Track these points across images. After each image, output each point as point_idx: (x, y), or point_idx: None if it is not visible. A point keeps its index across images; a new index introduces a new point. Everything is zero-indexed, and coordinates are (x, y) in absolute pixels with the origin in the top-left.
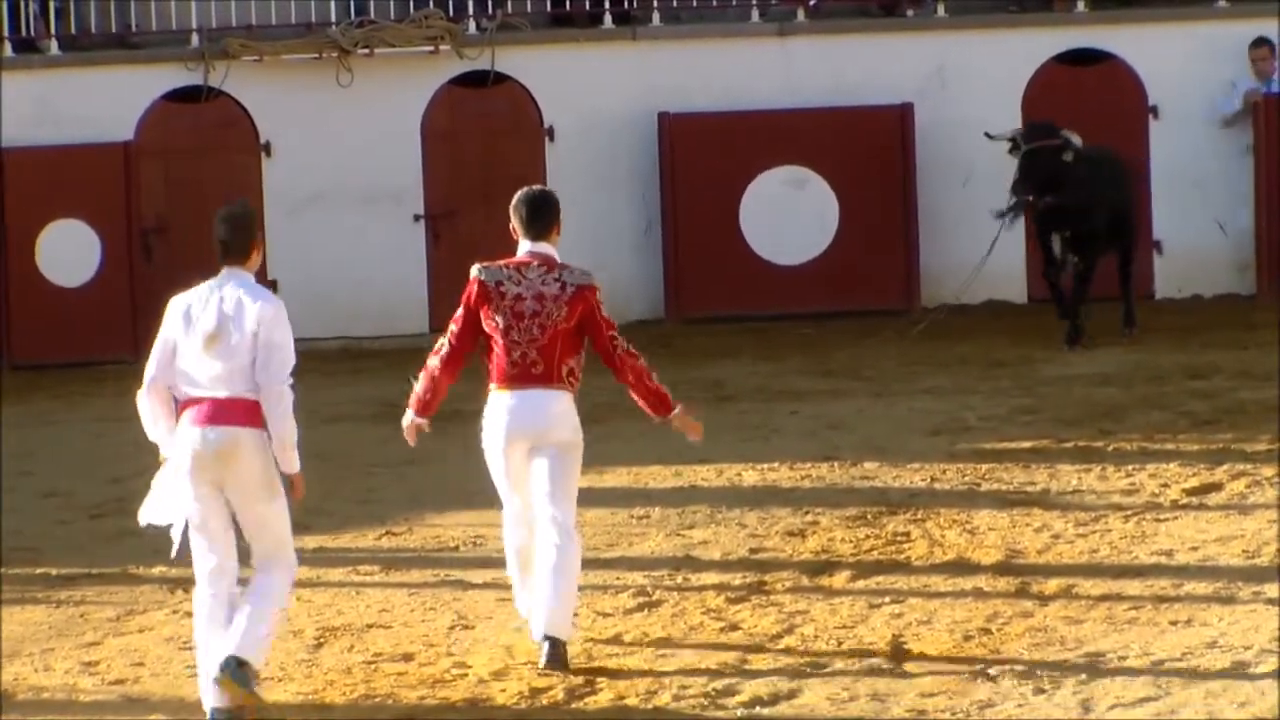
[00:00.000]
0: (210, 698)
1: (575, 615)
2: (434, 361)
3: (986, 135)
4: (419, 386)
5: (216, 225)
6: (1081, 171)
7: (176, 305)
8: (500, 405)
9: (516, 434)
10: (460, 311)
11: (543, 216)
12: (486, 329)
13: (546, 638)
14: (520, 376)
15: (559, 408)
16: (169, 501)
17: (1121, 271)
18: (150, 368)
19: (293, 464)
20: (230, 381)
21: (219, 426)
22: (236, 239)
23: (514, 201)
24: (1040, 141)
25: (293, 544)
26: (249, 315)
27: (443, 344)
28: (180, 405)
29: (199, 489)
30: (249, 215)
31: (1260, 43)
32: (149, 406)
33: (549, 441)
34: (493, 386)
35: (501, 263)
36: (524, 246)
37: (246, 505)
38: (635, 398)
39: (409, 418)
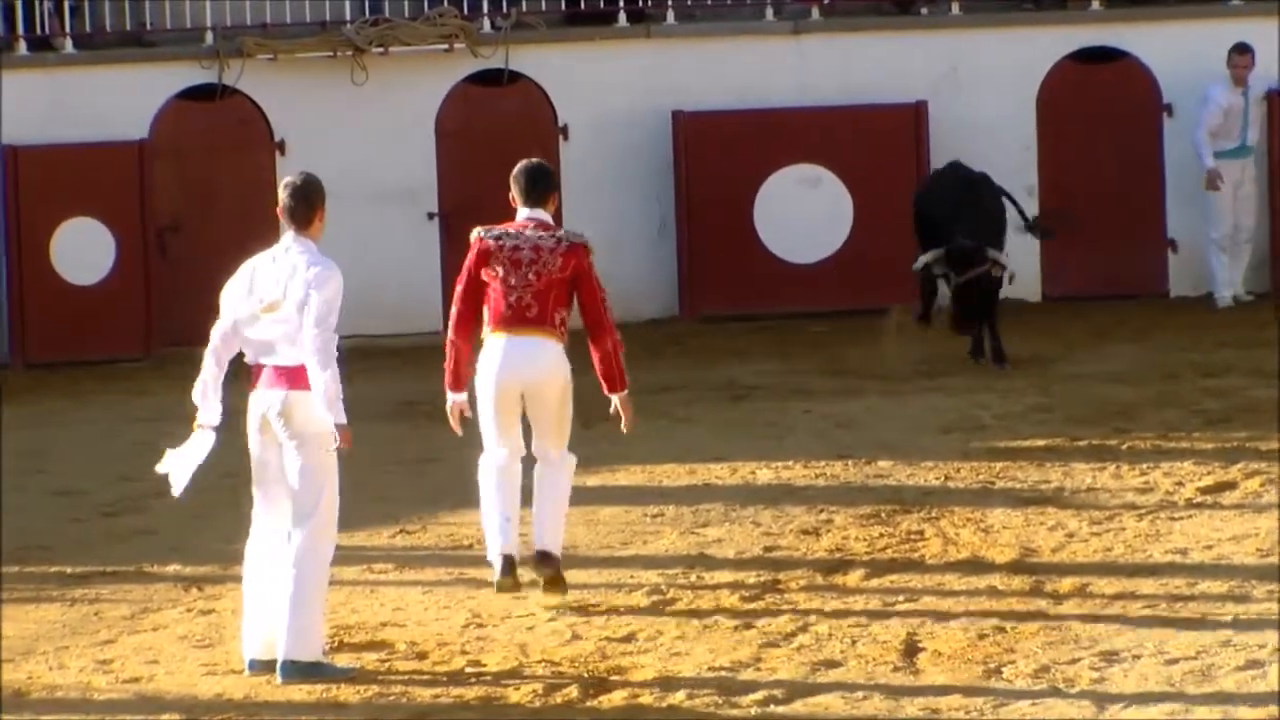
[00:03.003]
0: (250, 648)
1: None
2: (450, 334)
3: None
4: (446, 362)
5: (280, 193)
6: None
7: (243, 271)
8: (495, 349)
9: (509, 380)
10: (463, 274)
11: (540, 185)
12: (485, 279)
13: (538, 552)
14: (515, 319)
15: (550, 357)
16: (184, 458)
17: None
18: (214, 336)
19: (337, 415)
20: (287, 347)
21: (275, 390)
22: (299, 207)
23: (514, 172)
24: (973, 272)
25: (335, 511)
26: (299, 280)
27: (452, 312)
28: (253, 371)
29: (257, 450)
30: (310, 185)
31: (1243, 49)
32: (203, 372)
33: (540, 392)
34: (487, 330)
35: (501, 226)
36: (522, 213)
37: (293, 460)
38: (597, 363)
39: (450, 399)
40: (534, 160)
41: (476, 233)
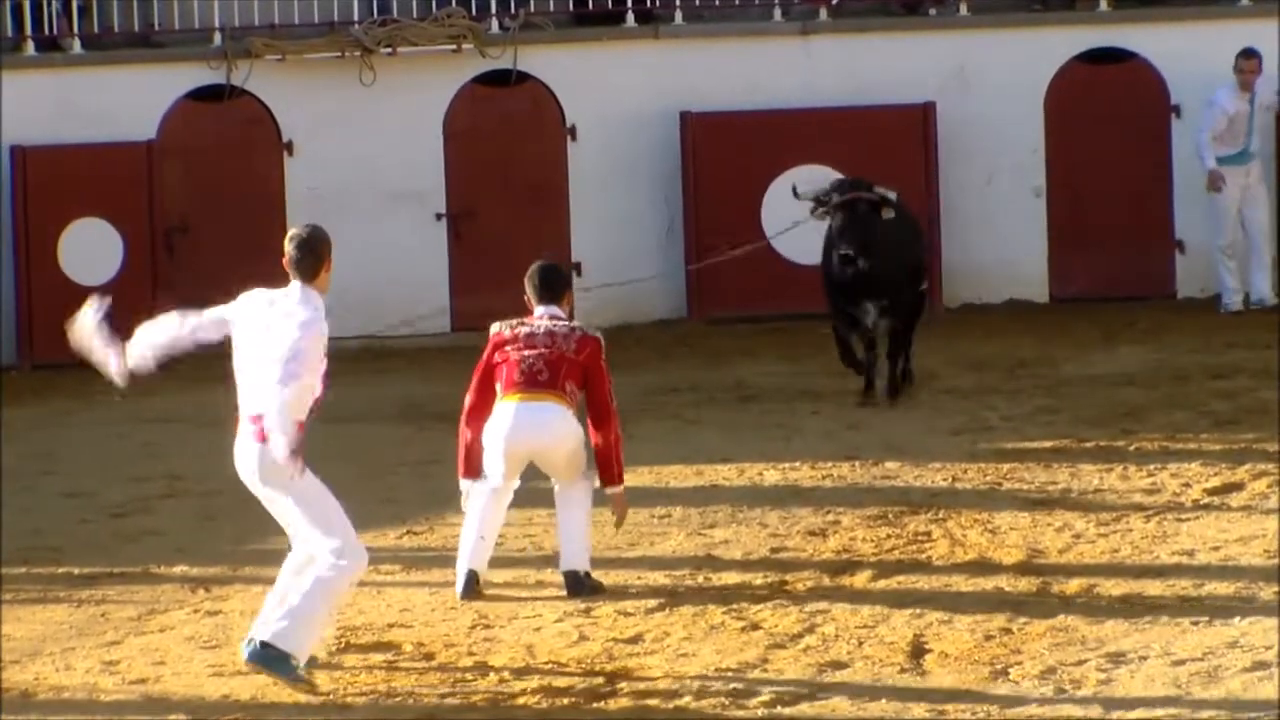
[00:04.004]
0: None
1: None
2: (462, 423)
3: (794, 193)
4: (459, 451)
5: (286, 245)
6: (895, 231)
7: (248, 298)
8: (505, 413)
9: (518, 446)
10: (478, 367)
11: (554, 285)
12: (498, 361)
13: (566, 574)
14: (526, 383)
15: (560, 423)
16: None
17: (903, 336)
18: (204, 314)
19: (279, 450)
20: (262, 393)
21: (251, 444)
22: (305, 259)
23: (528, 274)
24: (857, 194)
25: (338, 537)
26: (291, 325)
27: (465, 403)
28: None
29: (255, 493)
30: (316, 237)
31: (1249, 54)
32: (150, 324)
33: (549, 456)
34: (499, 398)
35: (518, 319)
36: (538, 311)
37: (288, 501)
38: (596, 452)
39: (463, 486)
40: (547, 261)
41: (494, 327)
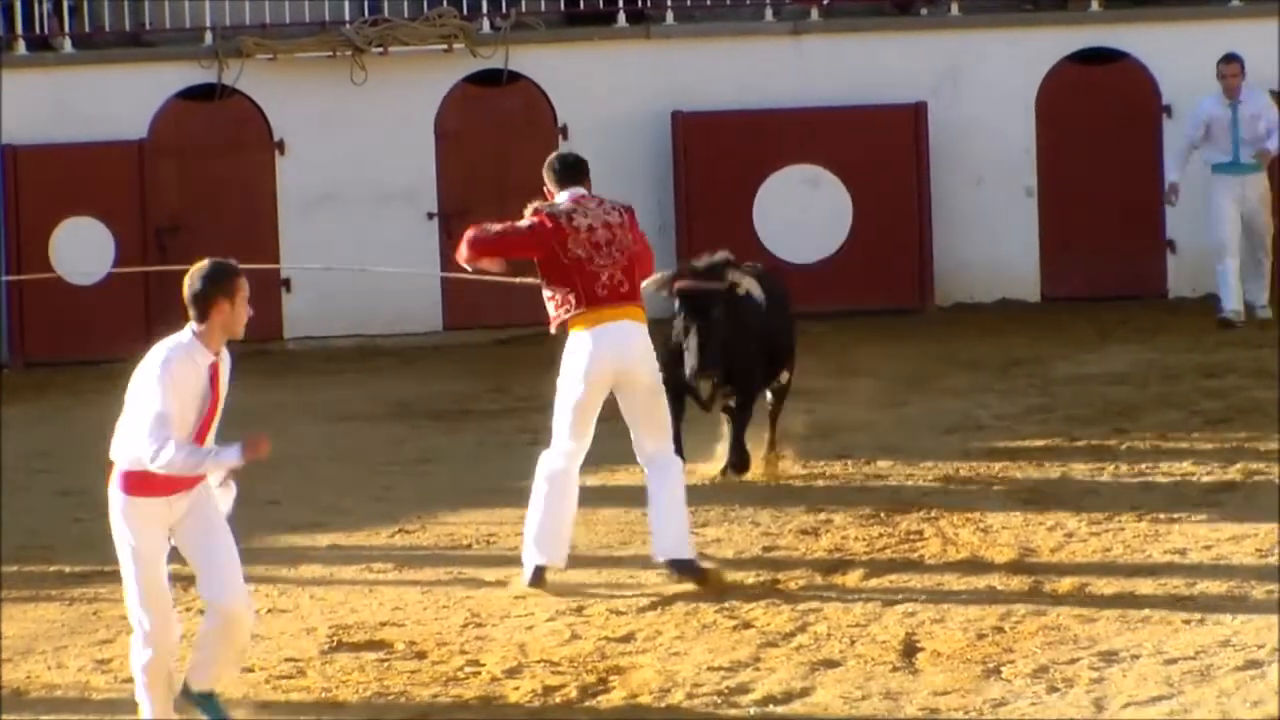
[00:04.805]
0: None
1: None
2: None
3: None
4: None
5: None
6: (753, 316)
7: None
8: (590, 337)
9: (604, 368)
10: (512, 235)
11: (578, 165)
12: (565, 261)
13: (669, 561)
14: (610, 297)
15: (643, 343)
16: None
17: (774, 407)
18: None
19: (218, 467)
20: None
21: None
22: (193, 300)
23: (546, 163)
24: (693, 283)
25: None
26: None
27: (487, 239)
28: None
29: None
30: (206, 274)
31: (1229, 59)
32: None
33: (632, 380)
34: (578, 315)
35: (557, 202)
36: (564, 194)
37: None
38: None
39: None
40: (563, 151)
41: (538, 207)
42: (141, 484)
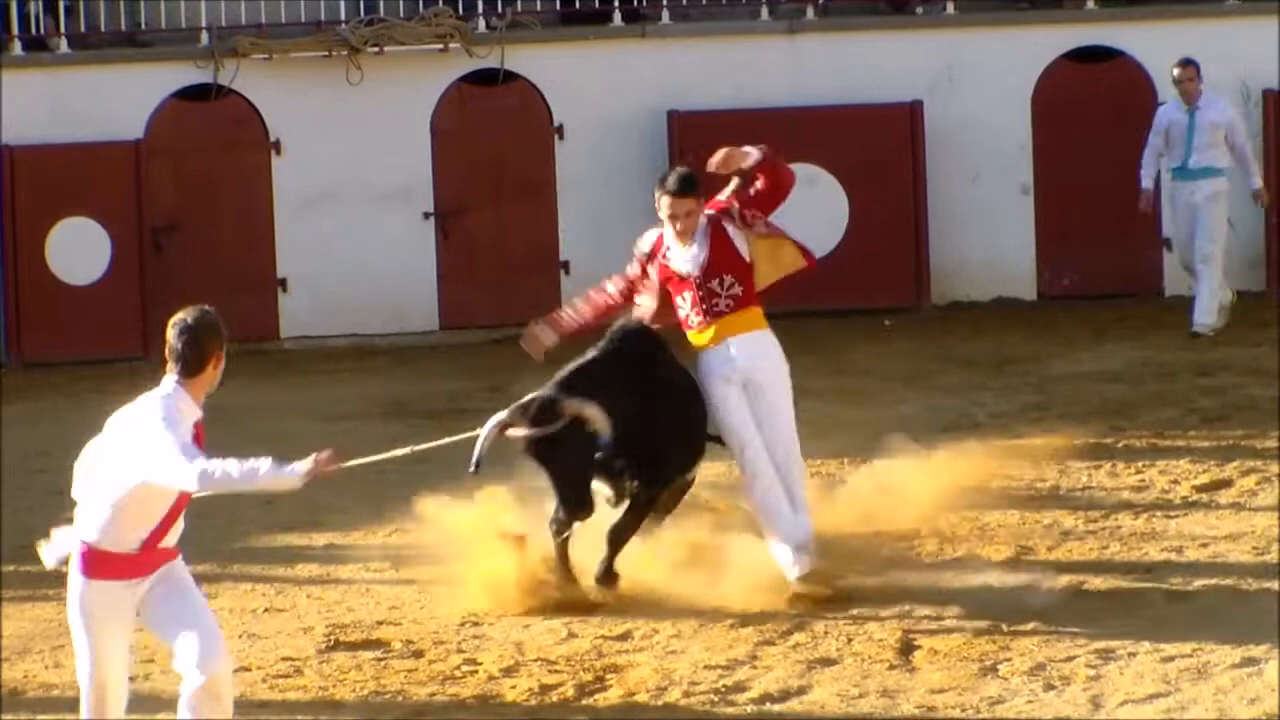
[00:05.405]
0: None
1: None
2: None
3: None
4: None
5: (169, 333)
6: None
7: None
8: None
9: (735, 374)
10: (632, 272)
11: (687, 178)
12: (670, 289)
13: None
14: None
15: (774, 348)
16: None
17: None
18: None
19: (276, 486)
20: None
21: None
22: (186, 352)
23: (657, 180)
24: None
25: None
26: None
27: (598, 301)
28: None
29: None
30: (204, 325)
31: (1184, 64)
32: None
33: (769, 380)
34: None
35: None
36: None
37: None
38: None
39: (539, 323)
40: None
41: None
42: (103, 565)
